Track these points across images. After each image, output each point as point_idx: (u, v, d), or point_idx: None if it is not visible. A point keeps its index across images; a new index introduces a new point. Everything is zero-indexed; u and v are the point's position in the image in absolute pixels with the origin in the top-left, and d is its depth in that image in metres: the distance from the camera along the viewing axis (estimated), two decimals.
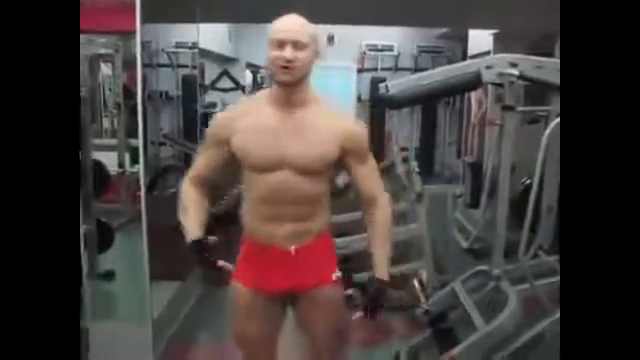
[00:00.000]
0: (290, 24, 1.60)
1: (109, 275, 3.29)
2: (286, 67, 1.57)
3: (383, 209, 1.79)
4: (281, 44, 1.57)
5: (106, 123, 4.68)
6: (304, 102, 1.67)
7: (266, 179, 1.66)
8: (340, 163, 1.73)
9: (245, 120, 1.68)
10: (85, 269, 2.75)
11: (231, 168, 1.78)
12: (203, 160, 1.78)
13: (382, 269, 1.77)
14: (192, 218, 1.73)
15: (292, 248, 1.72)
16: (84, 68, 3.29)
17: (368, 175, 1.77)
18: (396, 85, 2.72)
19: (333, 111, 1.73)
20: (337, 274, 1.81)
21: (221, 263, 1.70)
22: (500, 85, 2.68)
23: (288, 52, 1.56)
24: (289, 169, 1.65)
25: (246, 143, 1.66)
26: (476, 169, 5.35)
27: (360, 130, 1.74)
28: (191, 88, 6.43)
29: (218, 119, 1.77)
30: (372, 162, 1.78)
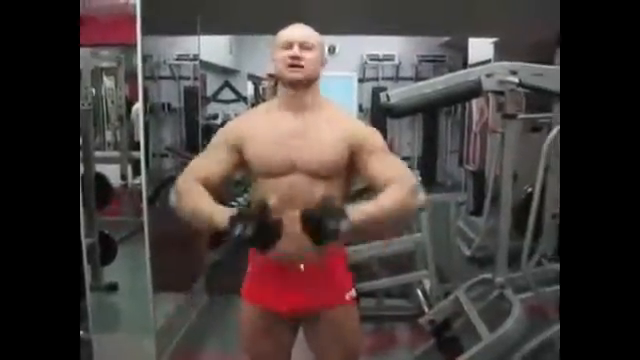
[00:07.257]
0: (296, 28, 1.62)
1: (112, 287, 3.29)
2: (294, 65, 1.57)
3: (402, 186, 1.53)
4: (289, 45, 1.58)
5: (108, 136, 4.70)
6: (313, 106, 1.64)
7: (277, 184, 1.59)
8: (353, 167, 1.64)
9: (255, 126, 1.65)
10: (88, 281, 2.76)
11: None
12: (209, 161, 1.64)
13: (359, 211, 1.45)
14: (210, 203, 1.54)
15: (301, 265, 1.64)
16: (87, 81, 3.31)
17: (389, 164, 1.61)
18: (397, 94, 2.72)
19: (343, 114, 1.70)
20: (352, 294, 1.72)
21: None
22: (501, 93, 2.69)
23: (296, 50, 1.57)
24: (300, 172, 1.59)
25: (257, 147, 1.62)
26: (478, 177, 5.37)
27: (370, 130, 1.68)
28: (193, 100, 6.45)
29: (228, 126, 1.72)
30: (392, 156, 1.65)
